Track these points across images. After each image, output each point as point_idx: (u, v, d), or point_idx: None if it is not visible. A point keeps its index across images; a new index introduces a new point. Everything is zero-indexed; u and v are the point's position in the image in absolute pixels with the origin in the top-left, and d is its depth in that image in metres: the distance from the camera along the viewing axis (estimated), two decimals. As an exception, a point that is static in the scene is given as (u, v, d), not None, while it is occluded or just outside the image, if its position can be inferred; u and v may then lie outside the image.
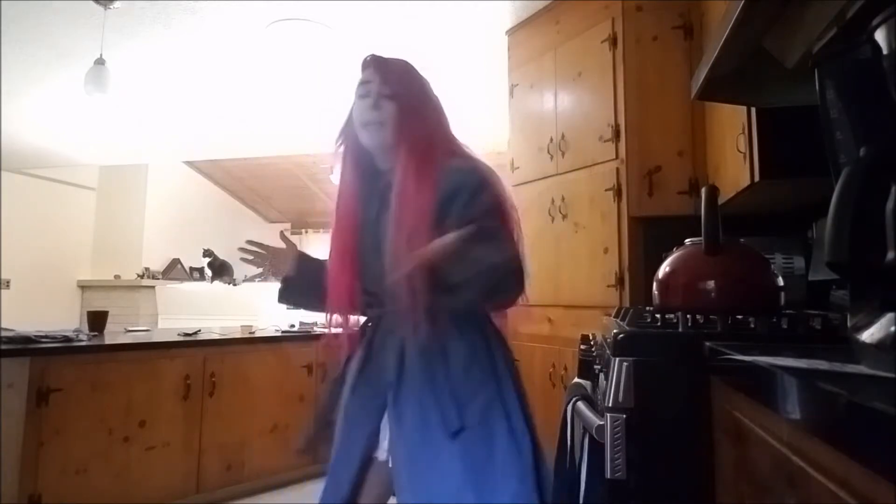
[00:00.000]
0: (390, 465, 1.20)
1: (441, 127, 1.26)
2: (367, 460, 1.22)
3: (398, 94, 1.21)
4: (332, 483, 1.24)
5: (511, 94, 3.13)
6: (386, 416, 1.20)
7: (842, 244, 0.65)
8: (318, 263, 1.32)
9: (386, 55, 1.28)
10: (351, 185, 1.26)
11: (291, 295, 1.31)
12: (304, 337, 3.35)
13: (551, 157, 2.79)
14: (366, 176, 1.26)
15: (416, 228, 1.10)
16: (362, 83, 1.24)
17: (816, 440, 0.52)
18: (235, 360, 3.00)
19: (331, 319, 1.28)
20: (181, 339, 2.92)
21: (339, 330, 1.29)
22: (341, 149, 1.30)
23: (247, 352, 3.07)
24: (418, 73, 1.28)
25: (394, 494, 1.23)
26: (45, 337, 2.50)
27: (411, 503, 1.13)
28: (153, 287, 6.96)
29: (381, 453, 1.22)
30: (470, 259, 1.06)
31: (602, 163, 2.51)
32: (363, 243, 1.22)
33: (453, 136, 1.27)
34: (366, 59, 1.26)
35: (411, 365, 1.18)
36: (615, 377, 1.00)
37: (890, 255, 0.61)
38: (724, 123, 1.88)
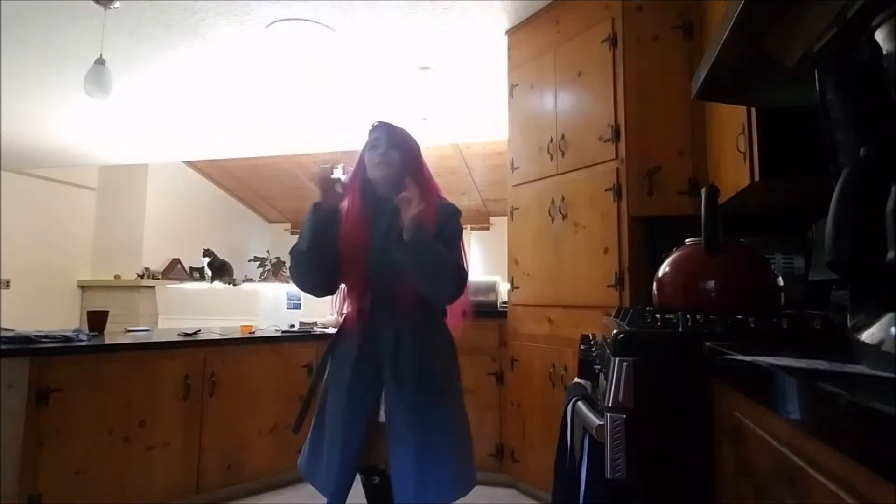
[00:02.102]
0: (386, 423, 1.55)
1: (427, 170, 1.73)
2: (372, 422, 1.56)
3: (400, 146, 1.67)
4: (343, 441, 1.54)
5: (511, 94, 3.13)
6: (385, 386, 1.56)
7: (842, 244, 0.65)
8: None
9: (387, 120, 1.74)
10: (360, 209, 1.64)
11: (318, 231, 1.57)
12: (304, 337, 3.35)
13: (551, 157, 2.79)
14: (369, 202, 1.67)
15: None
16: (373, 139, 1.68)
17: (816, 440, 0.52)
18: (235, 360, 3.00)
19: (342, 306, 1.68)
20: (181, 339, 2.92)
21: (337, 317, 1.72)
22: (350, 185, 1.68)
23: (247, 352, 3.07)
24: (410, 135, 1.74)
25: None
26: (45, 337, 2.50)
27: (408, 450, 1.50)
28: (153, 287, 6.96)
29: (382, 416, 1.57)
30: (444, 255, 1.54)
31: (602, 163, 2.51)
32: (372, 251, 1.59)
33: (431, 176, 1.74)
34: (374, 124, 1.71)
35: (405, 346, 1.58)
36: (615, 377, 1.00)
37: (890, 255, 0.61)
38: (724, 123, 1.88)
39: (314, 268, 1.60)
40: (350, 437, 1.54)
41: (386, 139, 1.66)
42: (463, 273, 1.58)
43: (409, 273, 1.52)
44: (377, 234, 1.62)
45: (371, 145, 1.68)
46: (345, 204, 1.67)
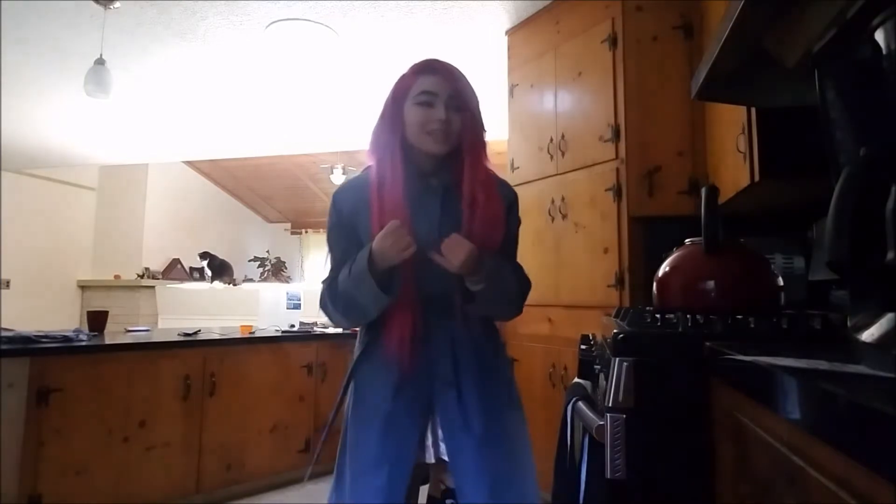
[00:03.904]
0: (447, 462, 1.20)
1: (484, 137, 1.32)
2: (417, 463, 1.22)
3: (464, 107, 1.25)
4: (384, 484, 1.16)
5: (511, 94, 3.13)
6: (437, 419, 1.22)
7: (842, 244, 0.65)
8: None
9: (440, 59, 1.30)
10: (401, 190, 1.22)
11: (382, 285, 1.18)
12: (304, 337, 3.35)
13: (551, 157, 2.79)
14: (412, 178, 1.25)
15: (493, 235, 1.23)
16: (426, 92, 1.23)
17: (816, 440, 0.52)
18: (235, 360, 3.00)
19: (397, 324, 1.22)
20: (181, 339, 2.92)
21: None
22: (377, 152, 1.28)
23: (247, 352, 3.07)
24: (469, 81, 1.30)
25: (442, 491, 1.27)
26: (45, 337, 2.50)
27: (492, 501, 1.16)
28: (153, 287, 6.96)
29: (428, 456, 1.23)
30: (514, 284, 1.28)
31: (602, 163, 2.51)
32: (418, 246, 1.16)
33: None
34: (428, 64, 1.27)
35: (467, 364, 1.23)
36: (615, 377, 1.00)
37: (890, 255, 0.61)
38: (724, 123, 1.88)
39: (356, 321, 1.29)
40: (394, 484, 1.17)
41: (447, 96, 1.23)
42: (528, 286, 1.34)
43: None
44: (425, 222, 1.23)
45: (422, 100, 1.23)
46: (370, 173, 1.26)
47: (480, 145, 1.28)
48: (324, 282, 1.28)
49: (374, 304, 1.19)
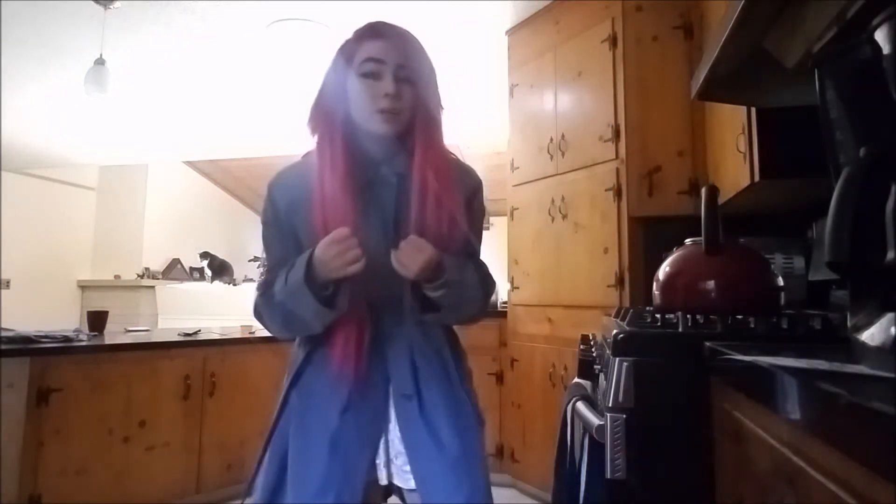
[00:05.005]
0: (401, 488, 1.08)
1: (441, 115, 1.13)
2: (371, 482, 1.08)
3: (416, 78, 1.07)
4: None
5: (511, 94, 3.13)
6: (392, 436, 1.08)
7: (842, 244, 0.65)
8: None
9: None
10: (345, 180, 1.04)
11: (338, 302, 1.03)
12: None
13: (551, 157, 2.79)
14: (356, 165, 1.07)
15: (451, 234, 1.06)
16: (372, 59, 1.04)
17: (816, 440, 0.52)
18: (235, 360, 3.00)
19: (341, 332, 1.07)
20: (181, 339, 2.92)
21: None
22: (317, 136, 1.11)
23: (247, 352, 3.07)
24: (424, 47, 1.11)
25: None
26: (45, 337, 2.49)
27: None
28: (153, 287, 6.96)
29: (381, 476, 1.09)
30: (478, 291, 1.13)
31: (602, 163, 2.51)
32: (368, 244, 0.99)
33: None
34: (373, 27, 1.08)
35: (427, 374, 1.08)
36: (615, 377, 1.00)
37: (890, 255, 0.61)
38: (724, 123, 1.88)
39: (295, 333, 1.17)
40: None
41: (395, 64, 1.04)
42: (493, 286, 1.19)
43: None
44: (377, 219, 1.07)
45: (366, 70, 1.05)
46: (311, 159, 1.10)
47: (435, 125, 1.09)
48: (258, 287, 1.12)
49: (317, 319, 1.03)
